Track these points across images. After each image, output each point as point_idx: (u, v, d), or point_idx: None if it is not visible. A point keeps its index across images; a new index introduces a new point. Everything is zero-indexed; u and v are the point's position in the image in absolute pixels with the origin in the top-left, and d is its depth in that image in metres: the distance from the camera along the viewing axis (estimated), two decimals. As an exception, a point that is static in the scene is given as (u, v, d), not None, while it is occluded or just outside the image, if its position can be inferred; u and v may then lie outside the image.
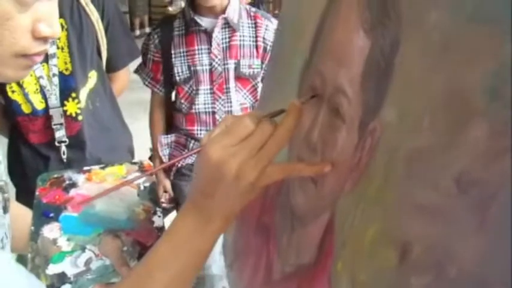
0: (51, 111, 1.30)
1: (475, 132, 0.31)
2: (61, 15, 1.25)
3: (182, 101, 1.64)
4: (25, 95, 1.28)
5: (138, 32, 7.61)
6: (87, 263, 0.82)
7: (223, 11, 1.56)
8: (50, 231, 0.85)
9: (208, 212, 0.55)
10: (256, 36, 1.62)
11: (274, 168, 0.53)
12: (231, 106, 1.62)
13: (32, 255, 0.80)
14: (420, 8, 0.38)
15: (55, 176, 0.94)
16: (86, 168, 0.92)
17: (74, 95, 1.32)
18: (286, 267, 0.62)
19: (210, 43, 1.57)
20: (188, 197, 0.57)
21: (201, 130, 1.65)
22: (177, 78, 1.62)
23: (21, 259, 0.88)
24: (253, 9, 1.68)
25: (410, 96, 0.38)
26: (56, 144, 1.34)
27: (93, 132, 1.40)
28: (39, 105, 1.30)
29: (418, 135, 0.36)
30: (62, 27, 1.27)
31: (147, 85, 1.71)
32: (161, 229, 0.88)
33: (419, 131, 0.36)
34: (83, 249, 0.83)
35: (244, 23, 1.62)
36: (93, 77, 1.37)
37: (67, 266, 0.80)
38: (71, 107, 1.33)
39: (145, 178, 0.95)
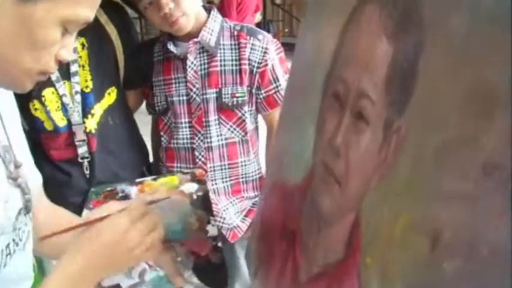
0: (74, 128, 1.33)
1: (498, 122, 0.34)
2: (82, 34, 1.30)
3: (162, 133, 1.48)
4: (47, 113, 1.31)
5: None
6: (142, 274, 0.82)
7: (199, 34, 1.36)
8: None
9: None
10: (240, 59, 1.37)
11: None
12: (210, 142, 1.40)
13: None
14: (441, 12, 0.41)
15: (108, 189, 0.93)
16: (138, 180, 0.91)
17: (93, 111, 1.36)
18: (313, 268, 0.64)
19: (186, 71, 1.38)
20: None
21: (180, 167, 1.45)
22: (157, 108, 1.46)
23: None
24: (238, 26, 1.42)
25: (435, 93, 0.41)
26: (79, 160, 1.36)
27: (113, 147, 1.43)
28: (61, 122, 1.33)
29: (445, 129, 0.39)
30: (83, 46, 1.32)
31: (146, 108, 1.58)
32: (215, 238, 0.87)
33: (445, 125, 0.39)
34: None
35: (225, 45, 1.39)
36: (112, 93, 1.41)
37: (122, 278, 0.81)
38: (90, 124, 1.37)
39: (198, 187, 0.92)
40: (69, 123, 1.34)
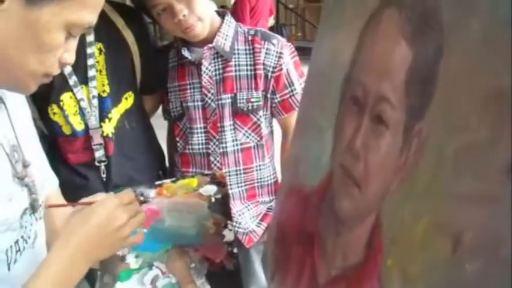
0: (91, 132, 1.34)
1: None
2: (99, 40, 1.32)
3: (178, 139, 1.47)
4: (65, 117, 1.32)
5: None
6: (154, 281, 0.81)
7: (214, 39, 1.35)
8: None
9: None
10: (255, 64, 1.37)
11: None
12: (226, 147, 1.40)
13: (101, 273, 0.81)
14: (461, 16, 0.41)
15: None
16: (157, 182, 0.90)
17: (110, 116, 1.37)
18: (332, 271, 0.64)
19: (201, 77, 1.37)
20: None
21: (196, 173, 1.43)
22: (172, 114, 1.45)
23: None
24: (252, 31, 1.41)
25: (455, 97, 0.41)
26: (96, 163, 1.37)
27: (129, 151, 1.44)
28: (79, 127, 1.34)
29: (466, 132, 0.39)
30: (101, 51, 1.33)
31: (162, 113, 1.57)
32: (231, 243, 0.86)
33: (466, 128, 0.39)
34: (150, 266, 0.83)
35: (240, 50, 1.38)
36: (130, 98, 1.42)
37: (134, 284, 0.81)
38: (107, 128, 1.37)
39: (217, 189, 0.91)
40: (87, 127, 1.35)
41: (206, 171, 1.40)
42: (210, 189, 0.90)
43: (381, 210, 0.53)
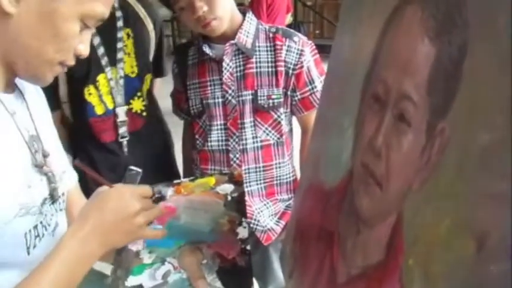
0: (117, 110, 1.46)
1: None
2: (128, 26, 1.47)
3: (197, 136, 1.48)
4: (100, 96, 1.44)
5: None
6: (165, 276, 0.83)
7: (235, 36, 1.36)
8: (134, 243, 0.85)
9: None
10: (276, 61, 1.37)
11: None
12: (246, 144, 1.41)
13: (114, 267, 0.82)
14: (487, 12, 0.41)
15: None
16: (176, 181, 0.92)
17: (139, 94, 1.50)
18: (352, 270, 0.64)
19: (221, 73, 1.38)
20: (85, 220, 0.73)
21: (215, 170, 1.46)
22: (192, 111, 1.47)
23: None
24: (273, 29, 1.42)
25: (481, 95, 0.41)
26: (119, 139, 1.48)
27: (151, 128, 1.57)
28: (111, 105, 1.46)
29: (491, 130, 0.39)
30: (128, 35, 1.48)
31: (174, 112, 1.62)
32: (245, 241, 0.86)
33: (492, 126, 0.39)
34: (163, 261, 0.84)
35: (261, 47, 1.39)
36: (148, 79, 1.55)
37: (145, 279, 0.82)
38: (137, 105, 1.51)
39: (234, 188, 0.92)
40: (115, 106, 1.46)
41: (225, 170, 1.40)
42: (227, 188, 0.91)
43: (402, 209, 0.52)
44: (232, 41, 1.35)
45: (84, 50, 0.76)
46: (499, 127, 0.38)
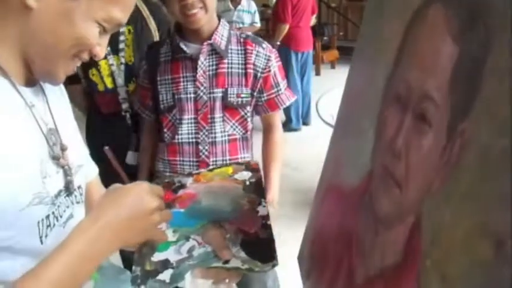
0: (118, 89, 1.85)
1: None
2: (130, 23, 1.79)
3: (165, 130, 1.58)
4: (101, 77, 1.84)
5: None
6: (190, 250, 0.84)
7: (211, 37, 1.49)
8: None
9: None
10: (246, 63, 1.52)
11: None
12: (215, 137, 1.53)
13: (140, 245, 0.83)
14: (510, 12, 0.40)
15: (166, 180, 0.96)
16: (194, 172, 0.95)
17: (134, 79, 1.83)
18: (370, 271, 0.64)
19: (195, 70, 1.50)
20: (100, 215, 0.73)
21: (183, 161, 1.57)
22: (161, 106, 1.57)
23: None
24: (244, 34, 1.59)
25: (503, 94, 0.40)
26: (122, 113, 1.87)
27: None
28: (110, 85, 1.85)
29: (512, 131, 0.38)
30: (129, 31, 1.84)
31: (137, 110, 1.71)
32: (265, 217, 0.88)
33: (513, 127, 0.38)
34: (187, 238, 0.86)
35: (233, 50, 1.53)
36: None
37: (171, 254, 0.84)
38: (132, 87, 1.87)
39: (252, 174, 0.95)
40: (115, 86, 1.85)
41: (190, 163, 1.56)
42: (245, 175, 0.96)
43: (421, 210, 0.52)
44: (209, 41, 1.48)
45: (100, 53, 0.78)
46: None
